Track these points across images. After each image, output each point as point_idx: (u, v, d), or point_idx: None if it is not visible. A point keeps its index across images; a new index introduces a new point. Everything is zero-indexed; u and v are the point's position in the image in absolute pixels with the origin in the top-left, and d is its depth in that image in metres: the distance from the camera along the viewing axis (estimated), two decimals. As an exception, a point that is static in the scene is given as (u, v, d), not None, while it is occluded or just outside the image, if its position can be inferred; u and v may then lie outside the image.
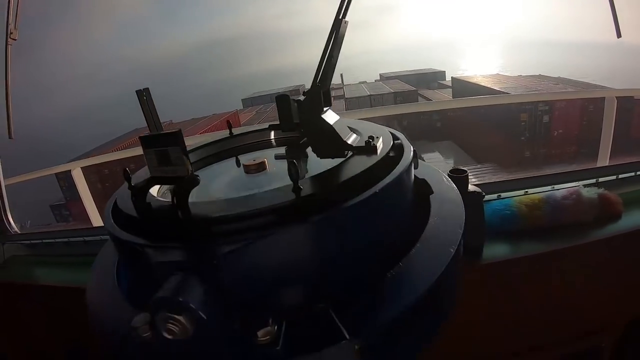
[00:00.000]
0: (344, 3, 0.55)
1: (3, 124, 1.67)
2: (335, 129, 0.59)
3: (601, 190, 1.10)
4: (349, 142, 0.60)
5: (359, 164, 0.55)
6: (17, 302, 1.55)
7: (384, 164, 0.56)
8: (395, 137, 0.64)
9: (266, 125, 0.80)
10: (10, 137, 1.66)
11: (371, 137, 0.60)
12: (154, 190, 0.61)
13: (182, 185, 0.51)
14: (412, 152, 0.60)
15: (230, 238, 0.44)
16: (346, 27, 0.57)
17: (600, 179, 1.22)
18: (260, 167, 0.66)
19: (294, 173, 0.48)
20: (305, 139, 0.60)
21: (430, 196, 0.63)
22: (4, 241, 1.72)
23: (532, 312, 1.13)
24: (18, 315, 1.57)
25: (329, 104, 0.60)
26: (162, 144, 0.51)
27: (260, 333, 0.41)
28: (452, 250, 0.52)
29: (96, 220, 2.22)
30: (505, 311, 1.12)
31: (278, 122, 0.66)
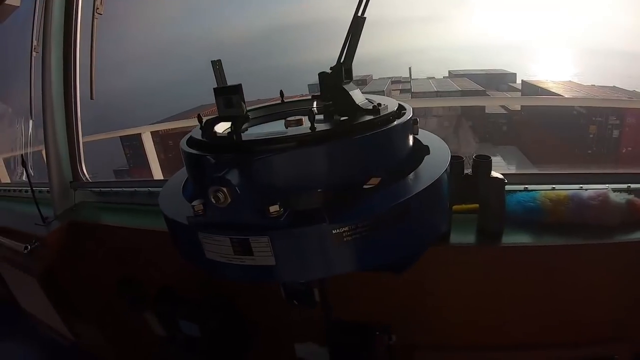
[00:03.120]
0: (362, 2, 0.79)
1: (83, 88, 1.92)
2: (353, 97, 0.82)
3: (631, 197, 1.08)
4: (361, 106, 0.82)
5: (361, 118, 0.78)
6: (83, 239, 1.80)
7: (381, 120, 0.78)
8: (402, 108, 0.86)
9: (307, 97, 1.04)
10: (91, 98, 1.91)
11: (379, 104, 0.81)
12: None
13: (239, 119, 0.79)
14: (408, 119, 0.82)
15: (261, 151, 0.69)
16: (364, 22, 0.80)
17: (632, 185, 1.18)
18: (298, 122, 0.84)
19: (312, 118, 0.72)
20: (331, 103, 0.85)
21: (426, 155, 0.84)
22: (76, 188, 1.97)
23: (545, 305, 1.15)
24: (82, 251, 1.81)
25: (349, 78, 0.84)
26: (228, 93, 0.80)
27: (271, 208, 0.63)
28: (411, 192, 0.71)
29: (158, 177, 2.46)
30: (519, 301, 1.15)
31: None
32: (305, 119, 0.83)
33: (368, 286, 1.17)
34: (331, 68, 0.82)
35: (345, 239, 0.65)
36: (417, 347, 1.30)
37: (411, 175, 0.77)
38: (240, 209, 0.63)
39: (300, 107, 1.02)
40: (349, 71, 0.83)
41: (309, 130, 0.72)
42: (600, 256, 1.07)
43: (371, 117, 0.78)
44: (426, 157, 0.84)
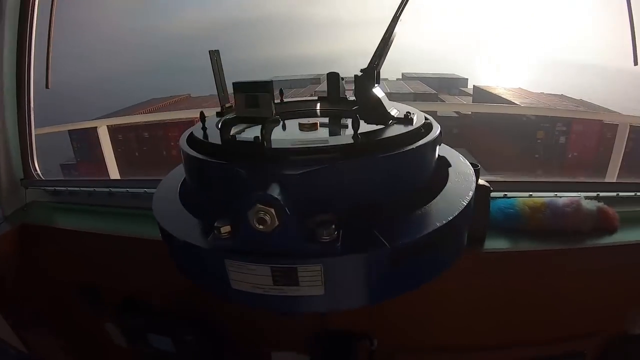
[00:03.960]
0: (402, 5, 0.71)
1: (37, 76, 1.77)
2: (384, 103, 0.75)
3: (600, 204, 1.16)
4: (392, 114, 0.75)
5: (399, 129, 0.70)
6: (35, 243, 1.64)
7: (417, 132, 0.71)
8: (426, 118, 0.79)
9: (312, 97, 0.97)
10: (47, 87, 1.76)
11: (409, 112, 0.75)
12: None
13: (269, 122, 0.64)
14: (439, 130, 0.75)
15: (307, 163, 0.59)
16: (399, 23, 0.72)
17: (601, 194, 1.27)
18: (313, 126, 0.78)
19: (356, 124, 0.64)
20: (357, 107, 0.76)
21: (449, 168, 0.78)
22: (27, 186, 1.80)
23: (522, 307, 1.20)
24: (35, 256, 1.66)
25: (378, 82, 0.76)
26: (254, 90, 0.65)
27: (325, 232, 0.53)
28: (463, 203, 0.66)
29: (115, 176, 2.32)
30: (497, 302, 1.19)
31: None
32: (317, 122, 0.78)
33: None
34: (362, 70, 0.75)
35: (401, 261, 0.58)
36: (399, 351, 1.32)
37: (448, 189, 0.71)
38: (286, 233, 0.53)
39: (304, 109, 0.94)
40: (378, 74, 0.76)
41: (352, 138, 0.64)
42: (573, 260, 1.14)
43: (404, 127, 0.71)
44: (450, 169, 0.79)
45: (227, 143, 0.67)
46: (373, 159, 0.62)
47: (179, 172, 0.85)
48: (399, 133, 0.68)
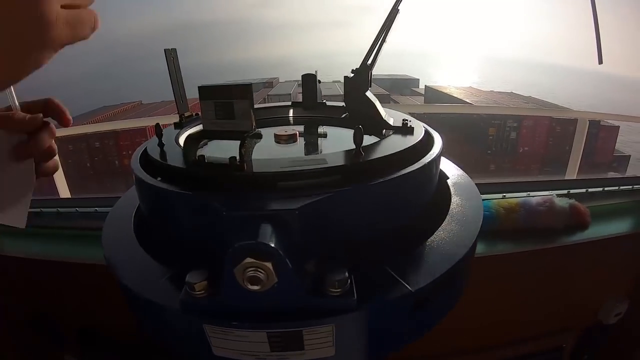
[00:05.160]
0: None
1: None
2: (379, 109, 0.64)
3: (572, 201, 1.18)
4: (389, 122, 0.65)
5: (402, 142, 0.58)
6: None
7: (423, 144, 0.60)
8: (423, 125, 0.68)
9: (283, 103, 0.84)
10: None
11: (406, 120, 0.65)
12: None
13: (250, 138, 0.51)
14: (440, 138, 0.64)
15: (305, 191, 0.45)
16: (396, 16, 0.62)
17: (572, 191, 1.31)
18: (292, 138, 0.66)
19: (359, 138, 0.51)
20: (347, 114, 0.67)
21: (447, 180, 0.68)
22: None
23: (501, 309, 1.19)
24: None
25: (370, 85, 0.66)
26: (227, 97, 0.51)
27: (338, 282, 0.41)
28: (477, 226, 0.56)
29: (64, 193, 2.15)
30: (475, 306, 1.16)
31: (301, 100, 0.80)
32: (297, 132, 0.66)
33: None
34: (353, 71, 0.65)
35: (425, 302, 0.47)
36: None
37: (455, 206, 0.60)
38: (286, 289, 0.39)
39: (280, 116, 0.83)
40: (370, 75, 0.66)
41: (355, 156, 0.51)
42: (549, 259, 1.14)
43: (402, 137, 0.60)
44: (448, 181, 0.69)
45: (193, 166, 0.52)
46: (387, 180, 0.49)
47: (132, 196, 0.67)
48: (408, 146, 0.56)
